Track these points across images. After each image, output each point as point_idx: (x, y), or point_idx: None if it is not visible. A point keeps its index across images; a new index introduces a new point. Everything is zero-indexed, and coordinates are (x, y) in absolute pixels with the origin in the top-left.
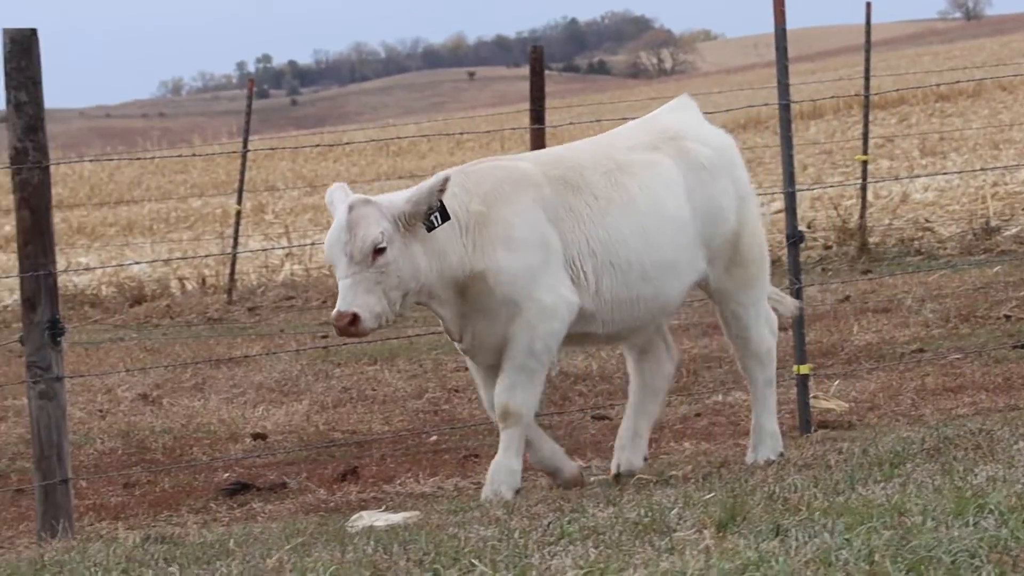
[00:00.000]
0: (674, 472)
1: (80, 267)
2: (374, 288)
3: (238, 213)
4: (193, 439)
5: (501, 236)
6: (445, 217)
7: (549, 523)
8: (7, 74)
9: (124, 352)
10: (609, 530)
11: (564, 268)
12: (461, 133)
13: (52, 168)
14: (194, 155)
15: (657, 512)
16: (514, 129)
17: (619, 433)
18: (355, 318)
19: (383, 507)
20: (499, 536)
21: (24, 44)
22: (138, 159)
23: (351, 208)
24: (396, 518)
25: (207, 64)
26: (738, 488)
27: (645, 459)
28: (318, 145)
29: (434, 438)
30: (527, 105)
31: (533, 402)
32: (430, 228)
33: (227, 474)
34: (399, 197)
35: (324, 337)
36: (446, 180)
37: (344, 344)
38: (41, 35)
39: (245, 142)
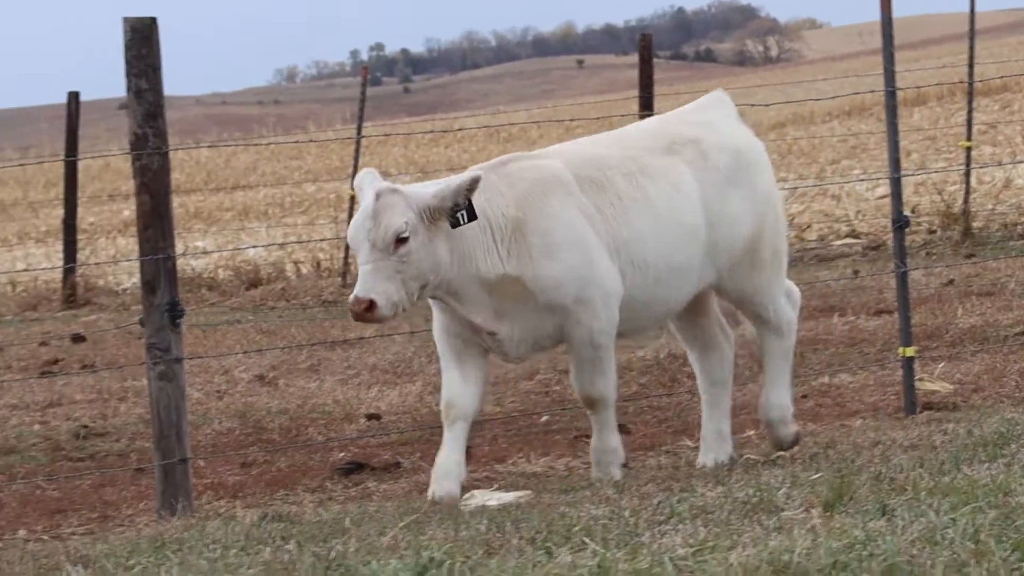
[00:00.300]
0: (781, 453)
1: (197, 251)
2: (394, 276)
3: (352, 198)
4: (309, 419)
5: (540, 244)
6: (472, 216)
7: (659, 502)
8: (128, 62)
9: (241, 334)
10: (718, 509)
11: (610, 258)
12: (571, 120)
13: (170, 154)
14: (310, 141)
15: (765, 492)
16: (623, 116)
17: (702, 435)
18: (372, 304)
19: (495, 486)
20: (610, 515)
21: (144, 32)
22: (254, 145)
23: (378, 196)
24: (508, 497)
25: (321, 52)
26: (845, 468)
27: (732, 454)
28: (431, 131)
29: (545, 419)
30: (635, 92)
31: (612, 383)
32: (455, 225)
33: (342, 454)
34: (427, 190)
35: None
36: (476, 180)
37: None
38: (160, 24)
39: (359, 128)
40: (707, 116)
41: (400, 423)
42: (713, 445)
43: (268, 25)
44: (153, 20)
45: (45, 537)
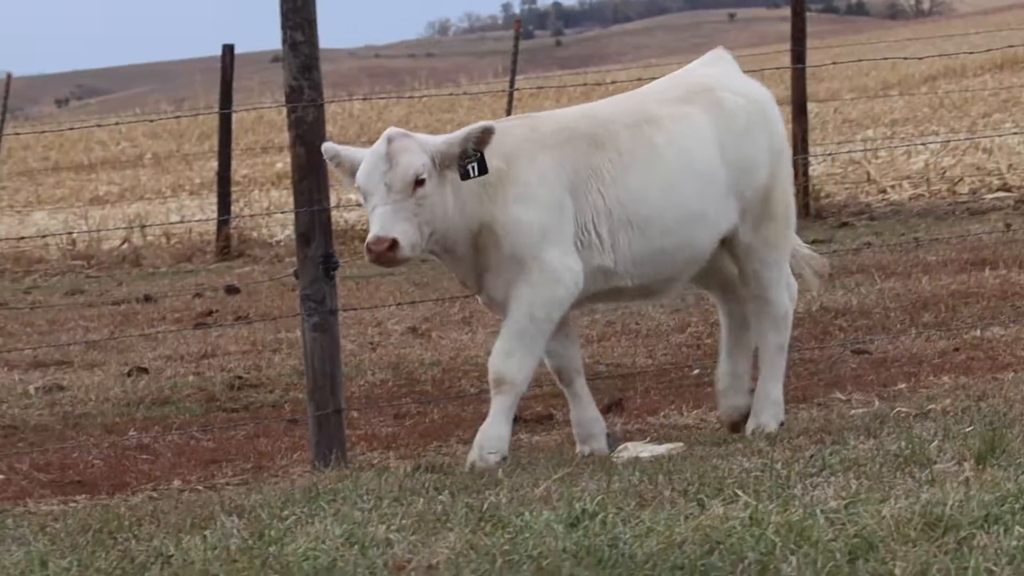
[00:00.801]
0: (932, 405)
1: (351, 203)
2: (411, 219)
3: None
4: (461, 371)
5: (517, 192)
6: (483, 170)
7: (811, 455)
8: (283, 15)
9: (393, 286)
10: (869, 462)
11: (575, 238)
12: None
13: (324, 106)
14: (464, 94)
15: (917, 444)
16: (776, 69)
17: (718, 380)
18: (395, 243)
19: (647, 438)
20: (761, 467)
21: None
22: (407, 98)
23: (390, 140)
24: (660, 449)
25: (473, 5)
26: (997, 421)
27: (751, 391)
28: (583, 84)
29: (696, 371)
30: (786, 46)
31: (529, 370)
32: (464, 176)
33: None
34: (436, 138)
35: None
36: (486, 131)
37: None
38: None
39: (512, 81)
40: (716, 69)
41: (552, 376)
42: (729, 389)
43: None
44: None
45: (200, 487)
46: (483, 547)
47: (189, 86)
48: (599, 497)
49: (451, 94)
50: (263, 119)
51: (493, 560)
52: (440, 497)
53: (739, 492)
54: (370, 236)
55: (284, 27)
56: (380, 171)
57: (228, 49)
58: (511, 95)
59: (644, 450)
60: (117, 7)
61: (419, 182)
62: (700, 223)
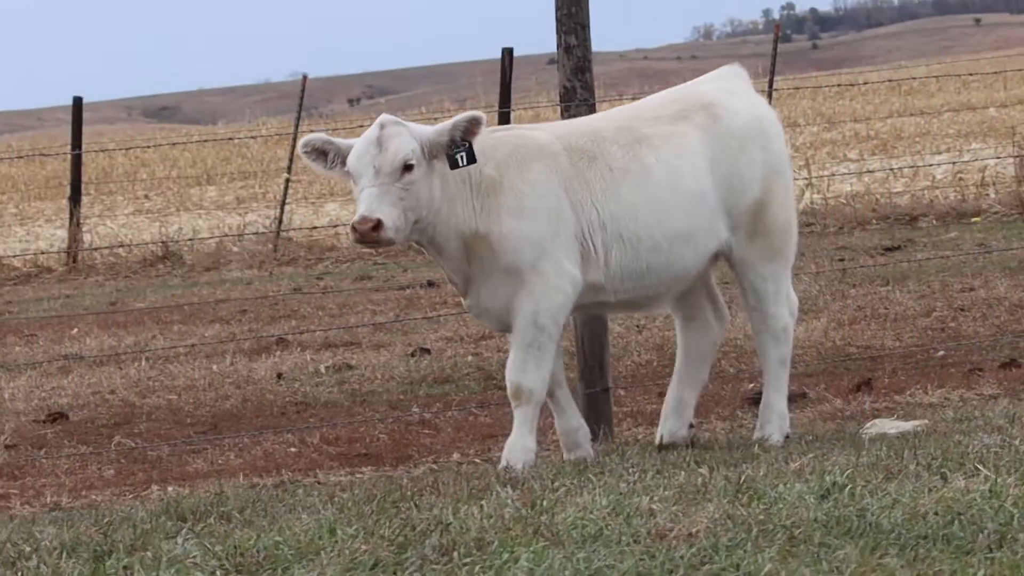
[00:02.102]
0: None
1: None
2: (397, 203)
3: None
4: (721, 352)
5: (510, 204)
6: (471, 160)
7: None
8: (559, 20)
9: None
10: None
11: (574, 242)
12: (969, 74)
13: (596, 105)
14: None
15: None
16: (1018, 70)
17: (665, 401)
18: (379, 223)
19: (894, 416)
20: (1001, 443)
21: None
22: None
23: (382, 126)
24: (906, 426)
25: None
26: None
27: (691, 426)
28: (837, 85)
29: (941, 353)
30: None
31: (545, 378)
32: (453, 165)
33: (751, 385)
34: (428, 127)
35: (841, 260)
36: (473, 120)
37: (860, 267)
38: None
39: (771, 82)
40: (722, 84)
41: (806, 356)
42: (671, 413)
43: None
44: None
45: (477, 460)
46: (740, 517)
47: (470, 86)
48: (848, 471)
49: None
50: (539, 117)
51: (749, 529)
52: (700, 470)
53: (979, 466)
54: (356, 216)
55: (559, 31)
56: (370, 155)
57: (507, 52)
58: (770, 95)
59: (891, 426)
60: (405, 12)
61: (407, 167)
62: (689, 242)
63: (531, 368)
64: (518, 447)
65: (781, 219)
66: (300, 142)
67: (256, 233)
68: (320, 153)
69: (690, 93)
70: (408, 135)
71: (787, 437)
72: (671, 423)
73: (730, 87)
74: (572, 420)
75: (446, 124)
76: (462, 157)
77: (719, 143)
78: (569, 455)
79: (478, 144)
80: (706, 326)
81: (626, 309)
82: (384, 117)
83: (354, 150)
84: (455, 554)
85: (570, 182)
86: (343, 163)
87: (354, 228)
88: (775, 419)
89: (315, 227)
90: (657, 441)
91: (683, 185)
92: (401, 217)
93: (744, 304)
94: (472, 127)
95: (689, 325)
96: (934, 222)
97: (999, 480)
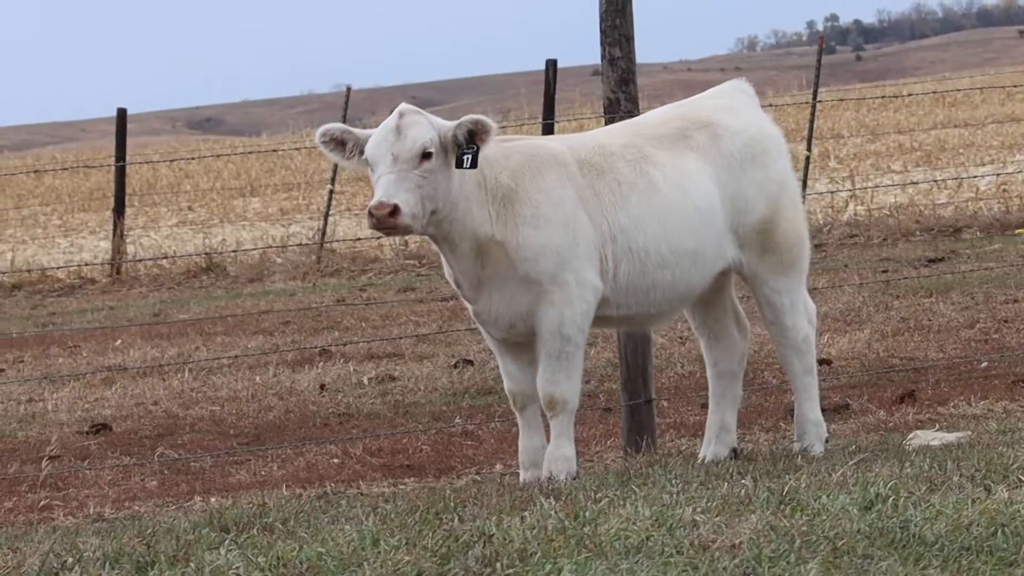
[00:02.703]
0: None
1: None
2: (415, 190)
3: (807, 158)
4: (764, 364)
5: (527, 213)
6: (473, 164)
7: None
8: (603, 31)
9: None
10: None
11: (594, 251)
12: (1013, 86)
13: None
14: (770, 105)
15: None
16: None
17: (707, 424)
18: (396, 209)
19: (937, 427)
20: None
21: (619, 4)
22: None
23: (402, 114)
24: (949, 437)
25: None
26: None
27: (734, 450)
28: (881, 96)
29: (984, 364)
30: None
31: (577, 387)
32: (457, 164)
33: (792, 397)
34: (446, 120)
35: (884, 272)
36: (477, 123)
37: (903, 278)
38: None
39: (815, 94)
40: (723, 102)
41: (849, 367)
42: (714, 437)
43: None
44: None
45: (520, 471)
46: (783, 528)
47: (514, 98)
48: (892, 482)
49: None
50: (583, 128)
51: (792, 540)
52: (743, 481)
53: (1023, 478)
54: (372, 201)
55: (603, 43)
56: (388, 142)
57: (551, 63)
58: (814, 106)
59: (934, 438)
60: (448, 24)
61: (425, 155)
62: (693, 259)
63: (562, 378)
64: (559, 457)
65: (792, 234)
66: (318, 131)
67: (299, 244)
68: (338, 143)
69: (691, 111)
70: (427, 123)
71: (827, 441)
72: (714, 448)
73: (730, 104)
74: (536, 439)
75: (456, 122)
76: (466, 159)
77: (721, 163)
78: (526, 473)
79: (490, 152)
80: (731, 342)
81: (623, 324)
82: (403, 106)
83: (373, 138)
84: (498, 565)
85: (582, 192)
86: (361, 152)
87: (371, 213)
88: (811, 429)
89: (359, 239)
90: (700, 459)
91: (689, 203)
92: (419, 204)
93: (762, 318)
94: (477, 130)
95: (715, 344)
96: (978, 233)
97: None
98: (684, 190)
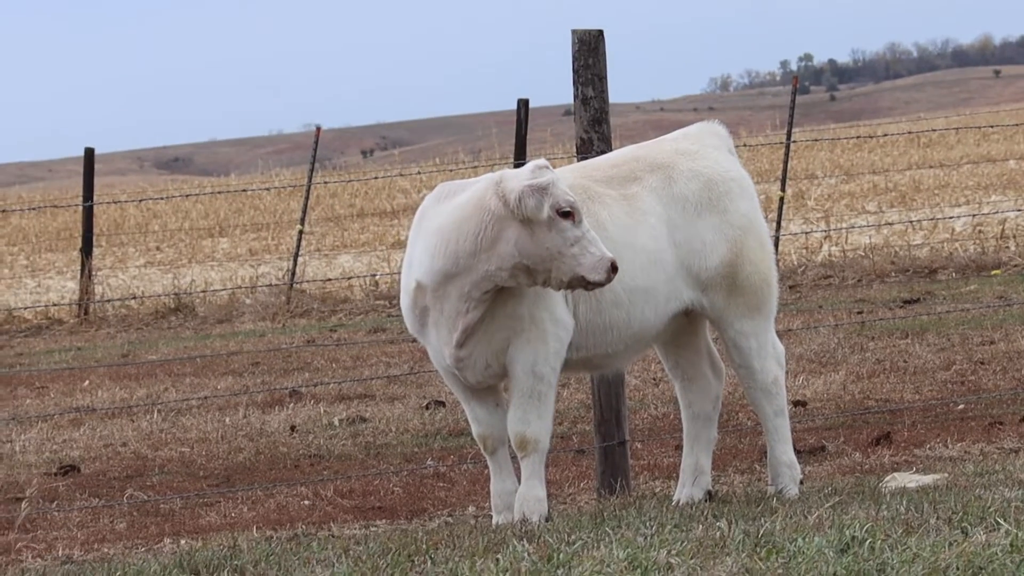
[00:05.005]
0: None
1: None
2: None
3: (781, 199)
4: (739, 405)
5: None
6: None
7: None
8: (575, 71)
9: None
10: None
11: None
12: (989, 126)
13: None
14: (744, 145)
15: None
16: None
17: (681, 467)
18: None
19: (913, 469)
20: (1022, 497)
21: (591, 44)
22: None
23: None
24: (926, 479)
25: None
26: None
27: (709, 492)
28: (856, 137)
29: (961, 406)
30: None
31: (548, 427)
32: None
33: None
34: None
35: (859, 313)
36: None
37: (879, 320)
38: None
39: (788, 134)
40: (684, 145)
41: (824, 409)
42: (688, 479)
43: (703, 37)
44: (600, 33)
45: (493, 513)
46: (758, 571)
47: (485, 137)
48: (868, 524)
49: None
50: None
51: None
52: (718, 523)
53: (1000, 520)
54: (606, 258)
55: (576, 83)
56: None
57: (523, 103)
58: (788, 147)
59: (911, 480)
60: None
61: None
62: (648, 298)
63: (533, 418)
64: (530, 498)
65: (756, 277)
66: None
67: (269, 285)
68: (551, 187)
69: (648, 153)
70: None
71: (801, 483)
72: (688, 490)
73: (690, 148)
74: (507, 482)
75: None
76: None
77: (674, 205)
78: (498, 517)
79: (451, 190)
80: (706, 384)
81: (581, 369)
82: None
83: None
84: None
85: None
86: (551, 202)
87: (615, 268)
88: (784, 471)
89: (328, 279)
90: (675, 501)
91: (637, 243)
92: None
93: (730, 361)
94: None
95: (689, 386)
96: (953, 275)
97: (1020, 534)
98: (630, 230)
